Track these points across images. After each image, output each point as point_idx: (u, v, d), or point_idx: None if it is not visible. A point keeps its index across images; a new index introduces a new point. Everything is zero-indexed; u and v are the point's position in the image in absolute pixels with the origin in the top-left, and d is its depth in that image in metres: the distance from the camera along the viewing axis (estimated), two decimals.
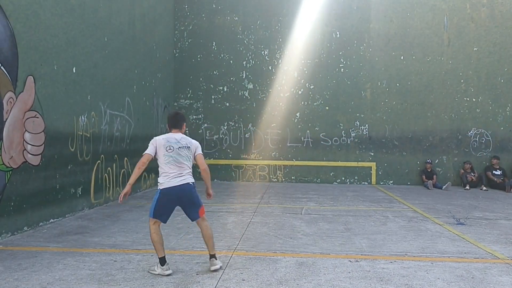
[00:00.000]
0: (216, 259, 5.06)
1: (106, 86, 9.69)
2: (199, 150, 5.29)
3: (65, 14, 7.97)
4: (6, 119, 6.37)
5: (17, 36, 6.60)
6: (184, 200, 4.99)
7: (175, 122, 5.29)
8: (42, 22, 7.25)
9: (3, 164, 6.29)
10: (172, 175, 4.94)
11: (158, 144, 5.04)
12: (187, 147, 5.15)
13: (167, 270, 4.85)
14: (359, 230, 7.29)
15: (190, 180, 5.07)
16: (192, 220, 5.15)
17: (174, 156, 4.99)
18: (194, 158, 5.24)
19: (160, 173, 5.01)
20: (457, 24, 14.50)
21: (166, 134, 5.19)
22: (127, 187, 4.90)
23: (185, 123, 5.44)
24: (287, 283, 4.63)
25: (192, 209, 5.06)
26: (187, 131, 15.01)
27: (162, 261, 4.87)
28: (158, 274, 4.84)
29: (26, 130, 6.83)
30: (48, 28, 7.41)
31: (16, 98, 6.60)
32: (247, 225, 7.56)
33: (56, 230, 7.01)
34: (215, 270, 4.96)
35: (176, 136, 5.15)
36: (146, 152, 5.06)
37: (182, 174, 5.00)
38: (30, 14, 6.92)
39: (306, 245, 6.27)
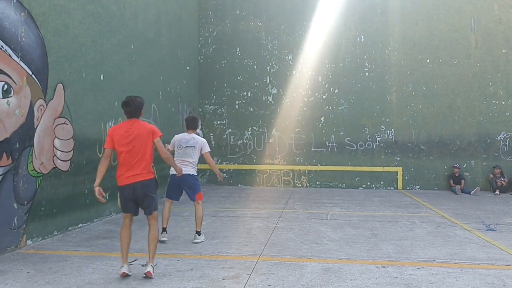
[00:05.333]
0: (200, 235, 6.69)
1: (132, 93, 9.83)
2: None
3: (93, 23, 8.16)
4: (37, 126, 6.55)
5: (47, 45, 6.79)
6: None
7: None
8: (71, 31, 7.43)
9: (34, 170, 6.46)
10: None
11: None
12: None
13: (163, 237, 6.64)
14: (386, 236, 7.21)
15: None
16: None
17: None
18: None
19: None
20: (485, 26, 14.22)
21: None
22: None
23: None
24: None
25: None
26: (211, 136, 15.13)
27: (163, 230, 6.69)
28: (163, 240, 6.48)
29: (56, 137, 7.00)
30: (76, 37, 7.59)
31: (47, 105, 6.78)
32: (272, 231, 7.56)
33: (85, 235, 7.15)
34: (197, 243, 6.58)
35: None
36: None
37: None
38: (60, 23, 7.11)
39: (332, 250, 6.23)
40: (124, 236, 4.99)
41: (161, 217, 6.65)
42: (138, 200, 4.94)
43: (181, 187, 6.82)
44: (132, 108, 4.92)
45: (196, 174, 6.88)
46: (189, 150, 6.76)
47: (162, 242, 6.52)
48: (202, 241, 6.66)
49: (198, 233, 6.70)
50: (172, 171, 6.65)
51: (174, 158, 6.56)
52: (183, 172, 6.40)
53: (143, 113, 5.09)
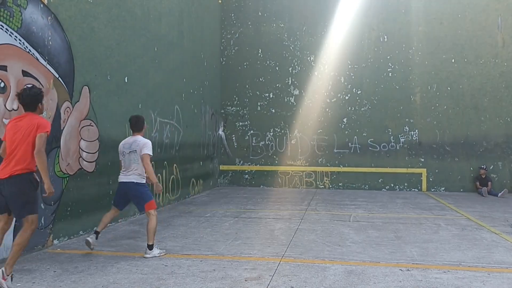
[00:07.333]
0: (150, 250, 5.87)
1: (156, 95, 9.97)
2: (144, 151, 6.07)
3: (118, 26, 8.28)
4: (63, 127, 6.69)
5: (73, 48, 6.92)
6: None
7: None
8: (96, 35, 7.56)
9: (61, 171, 6.59)
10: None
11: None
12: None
13: (91, 238, 6.00)
14: (410, 238, 7.11)
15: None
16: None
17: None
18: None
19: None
20: None
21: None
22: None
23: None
24: None
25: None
26: (233, 137, 15.20)
27: (97, 233, 6.11)
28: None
29: (81, 138, 7.12)
30: (102, 40, 7.72)
31: (73, 108, 6.92)
32: (294, 232, 7.54)
33: (110, 235, 7.25)
34: (147, 258, 5.82)
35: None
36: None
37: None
38: (86, 27, 7.24)
39: (355, 253, 6.18)
40: None
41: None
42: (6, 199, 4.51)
43: (128, 196, 6.14)
44: (23, 100, 4.65)
45: (142, 182, 6.06)
46: (132, 156, 6.02)
47: (87, 243, 5.98)
48: (155, 256, 5.84)
49: (150, 246, 5.87)
50: (120, 178, 6.14)
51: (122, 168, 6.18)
52: (127, 180, 6.01)
53: (41, 107, 4.75)
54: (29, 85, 4.99)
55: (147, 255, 5.83)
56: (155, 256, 5.84)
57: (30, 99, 4.64)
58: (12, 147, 4.52)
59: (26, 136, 4.51)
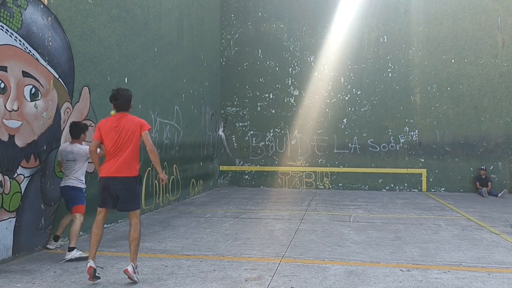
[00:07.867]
0: (70, 252, 5.68)
1: (156, 95, 9.97)
2: None
3: (118, 26, 8.28)
4: (63, 128, 6.68)
5: (73, 49, 6.92)
6: None
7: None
8: (96, 35, 7.56)
9: (61, 171, 6.58)
10: None
11: None
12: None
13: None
14: (410, 239, 7.11)
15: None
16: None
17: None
18: None
19: None
20: None
21: None
22: None
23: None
24: None
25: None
26: (233, 138, 15.19)
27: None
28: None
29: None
30: (101, 41, 7.72)
31: (73, 108, 6.91)
32: (294, 232, 7.54)
33: (110, 235, 7.25)
34: (67, 260, 5.64)
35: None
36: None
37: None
38: (86, 27, 7.24)
39: (355, 253, 6.18)
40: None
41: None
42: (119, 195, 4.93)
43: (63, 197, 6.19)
44: (120, 101, 4.96)
45: (79, 186, 6.11)
46: (70, 164, 6.05)
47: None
48: (73, 257, 5.70)
49: (70, 249, 5.75)
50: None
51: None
52: (64, 184, 6.07)
53: (131, 106, 5.12)
54: (120, 88, 5.13)
55: (67, 257, 5.68)
56: (75, 257, 5.68)
57: (127, 100, 4.99)
58: (117, 145, 4.88)
59: (132, 135, 4.91)
